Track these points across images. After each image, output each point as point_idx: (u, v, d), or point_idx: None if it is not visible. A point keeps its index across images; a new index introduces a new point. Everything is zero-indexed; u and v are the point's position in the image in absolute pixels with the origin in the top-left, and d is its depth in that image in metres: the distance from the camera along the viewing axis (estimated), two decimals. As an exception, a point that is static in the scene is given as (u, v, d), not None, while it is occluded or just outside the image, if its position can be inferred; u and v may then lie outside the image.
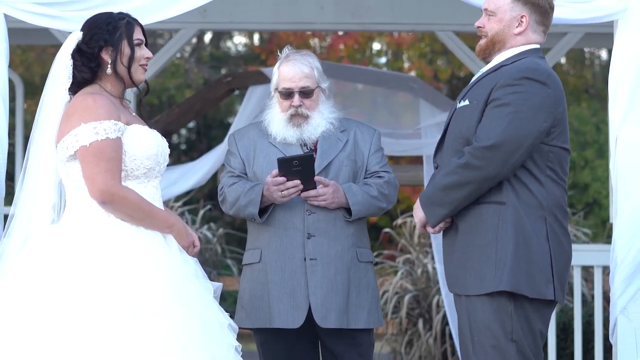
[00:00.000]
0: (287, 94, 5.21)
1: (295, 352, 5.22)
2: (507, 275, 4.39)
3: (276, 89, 5.26)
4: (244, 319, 5.20)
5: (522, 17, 4.56)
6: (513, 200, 4.45)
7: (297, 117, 5.21)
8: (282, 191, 5.07)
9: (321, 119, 5.24)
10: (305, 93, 5.21)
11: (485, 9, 4.62)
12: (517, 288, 4.40)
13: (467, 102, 4.54)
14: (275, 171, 5.07)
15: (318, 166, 5.17)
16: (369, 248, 5.30)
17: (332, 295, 5.13)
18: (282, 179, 5.06)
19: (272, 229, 5.18)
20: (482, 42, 4.63)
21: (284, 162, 5.06)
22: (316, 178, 5.09)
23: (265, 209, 5.17)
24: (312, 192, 5.11)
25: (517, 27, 4.56)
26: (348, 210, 5.17)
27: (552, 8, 4.62)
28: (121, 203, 4.31)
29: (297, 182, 5.07)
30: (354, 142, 5.28)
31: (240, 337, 4.37)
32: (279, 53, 5.33)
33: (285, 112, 5.21)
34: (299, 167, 5.05)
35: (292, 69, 5.21)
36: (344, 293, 5.14)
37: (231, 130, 8.22)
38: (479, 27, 4.64)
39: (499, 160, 4.39)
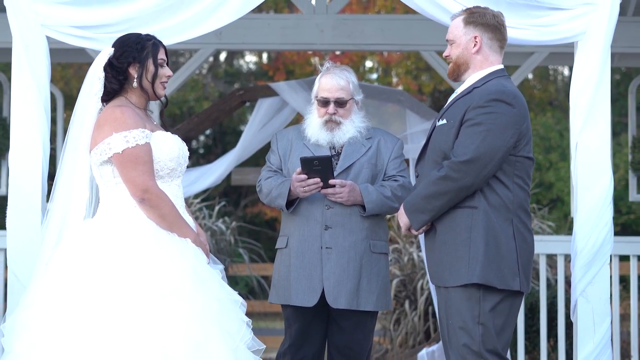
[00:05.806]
0: (324, 102, 5.23)
1: (311, 326, 5.24)
2: (479, 270, 4.41)
3: (316, 97, 5.28)
4: (274, 295, 5.24)
5: (475, 37, 4.61)
6: (484, 204, 4.47)
7: (331, 123, 5.22)
8: (303, 187, 5.09)
9: (351, 127, 5.24)
10: (340, 103, 5.22)
11: (447, 40, 4.70)
12: (487, 281, 4.42)
13: (445, 121, 4.57)
14: (299, 169, 5.09)
15: (340, 167, 5.19)
16: (384, 241, 5.27)
17: (344, 281, 5.13)
18: (304, 176, 5.07)
19: (297, 219, 5.20)
20: (450, 66, 4.71)
21: (305, 161, 5.07)
22: (333, 181, 5.10)
23: (293, 202, 5.19)
24: (329, 190, 5.12)
25: (473, 47, 4.62)
26: (363, 207, 5.17)
27: (500, 24, 4.65)
28: (158, 202, 4.31)
29: (317, 180, 5.07)
30: (376, 149, 5.27)
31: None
32: (319, 67, 5.36)
33: (321, 117, 5.23)
34: (319, 166, 5.05)
35: (330, 81, 5.23)
36: (355, 279, 5.14)
37: (242, 137, 8.24)
38: (446, 56, 4.71)
39: (474, 172, 4.42)
